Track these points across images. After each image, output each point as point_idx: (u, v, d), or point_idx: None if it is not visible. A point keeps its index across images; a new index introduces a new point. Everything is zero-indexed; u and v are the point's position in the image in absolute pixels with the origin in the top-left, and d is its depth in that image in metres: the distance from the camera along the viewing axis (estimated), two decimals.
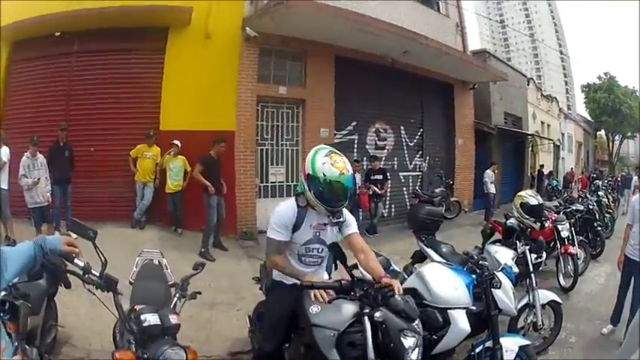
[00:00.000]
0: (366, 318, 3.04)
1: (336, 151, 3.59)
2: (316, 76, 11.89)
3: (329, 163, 3.43)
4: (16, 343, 2.36)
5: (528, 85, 25.08)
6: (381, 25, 11.17)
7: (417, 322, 3.24)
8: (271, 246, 3.64)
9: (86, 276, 3.21)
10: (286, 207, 3.63)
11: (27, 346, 3.72)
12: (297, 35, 11.17)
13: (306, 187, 3.52)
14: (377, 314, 3.00)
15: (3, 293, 3.46)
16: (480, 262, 4.25)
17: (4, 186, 8.56)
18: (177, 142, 10.16)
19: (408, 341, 3.03)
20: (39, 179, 8.67)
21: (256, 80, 10.95)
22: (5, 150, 8.64)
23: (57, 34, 10.70)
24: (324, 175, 3.41)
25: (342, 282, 3.30)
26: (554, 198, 13.90)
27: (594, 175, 27.72)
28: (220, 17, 10.74)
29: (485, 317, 4.02)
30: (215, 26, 10.74)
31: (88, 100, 10.93)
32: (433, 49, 12.74)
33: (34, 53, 11.21)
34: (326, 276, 3.97)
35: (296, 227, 3.59)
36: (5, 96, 11.18)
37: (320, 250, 3.72)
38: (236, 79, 10.67)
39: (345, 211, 3.73)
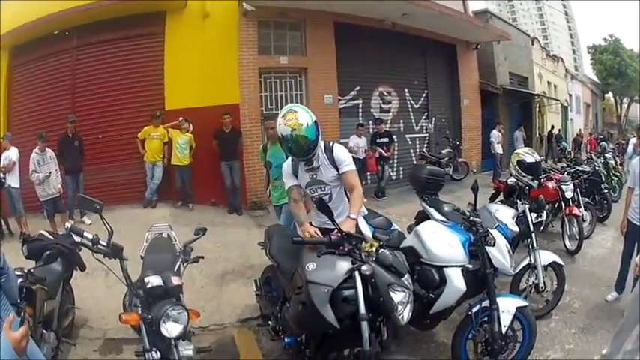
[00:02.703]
0: (356, 273, 3.11)
1: (294, 108, 3.97)
2: (316, 43, 11.89)
3: (283, 123, 3.86)
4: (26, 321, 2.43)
5: (532, 45, 24.75)
6: None
7: (406, 276, 3.33)
8: (287, 193, 4.38)
9: (95, 246, 3.52)
10: (285, 162, 4.32)
11: (44, 331, 3.86)
12: (294, 5, 11.18)
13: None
14: (364, 267, 3.09)
15: (20, 279, 3.55)
16: (472, 218, 4.22)
17: (16, 185, 8.78)
18: (183, 120, 10.38)
19: (398, 296, 3.12)
20: (50, 173, 8.87)
21: (257, 53, 11.01)
22: (14, 150, 8.85)
23: (56, 32, 10.84)
24: (282, 135, 3.89)
25: (332, 237, 3.40)
26: (564, 160, 13.80)
27: (601, 137, 27.38)
28: None
29: (483, 276, 4.00)
30: (212, 5, 10.82)
31: (92, 91, 11.12)
32: (432, 10, 12.66)
33: (35, 54, 11.35)
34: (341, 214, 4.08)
35: (295, 175, 4.20)
36: (9, 100, 11.35)
37: (322, 189, 4.15)
38: (236, 53, 10.73)
39: (338, 151, 4.13)
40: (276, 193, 6.31)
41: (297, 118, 3.80)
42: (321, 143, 4.07)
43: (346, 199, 4.21)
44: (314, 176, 4.12)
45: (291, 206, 4.25)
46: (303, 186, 4.18)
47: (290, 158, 4.17)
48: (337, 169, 4.08)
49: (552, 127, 26.01)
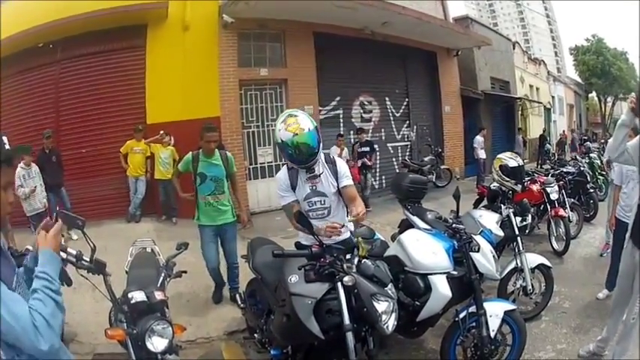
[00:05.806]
0: (339, 284, 3.08)
1: (294, 113, 3.82)
2: (296, 54, 11.93)
3: (284, 128, 3.70)
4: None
5: (514, 49, 24.97)
6: None
7: (390, 286, 3.32)
8: (286, 211, 4.00)
9: (78, 262, 3.48)
10: (280, 173, 4.07)
11: None
12: (273, 17, 11.21)
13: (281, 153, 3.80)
14: (346, 279, 3.06)
15: None
16: (455, 225, 4.24)
17: None
18: (164, 134, 10.37)
19: (381, 305, 3.10)
20: (35, 187, 8.75)
21: (237, 65, 11.03)
22: None
23: (40, 44, 10.76)
24: (282, 140, 3.71)
25: (312, 249, 3.36)
26: (548, 162, 13.94)
27: (585, 137, 27.59)
28: (196, 8, 10.84)
29: (469, 282, 4.00)
30: (192, 17, 10.84)
31: (75, 105, 11.07)
32: (412, 18, 12.71)
33: (19, 67, 11.20)
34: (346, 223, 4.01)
35: (293, 187, 3.96)
36: None
37: (322, 202, 3.98)
38: (217, 66, 10.75)
39: (340, 164, 4.05)
40: (207, 211, 5.98)
41: (299, 122, 3.68)
42: (322, 154, 3.95)
43: (342, 212, 4.08)
44: (314, 187, 3.95)
45: (294, 221, 3.81)
46: (302, 198, 3.96)
47: (286, 168, 4.00)
48: (337, 182, 3.98)
49: (544, 130, 26.13)
